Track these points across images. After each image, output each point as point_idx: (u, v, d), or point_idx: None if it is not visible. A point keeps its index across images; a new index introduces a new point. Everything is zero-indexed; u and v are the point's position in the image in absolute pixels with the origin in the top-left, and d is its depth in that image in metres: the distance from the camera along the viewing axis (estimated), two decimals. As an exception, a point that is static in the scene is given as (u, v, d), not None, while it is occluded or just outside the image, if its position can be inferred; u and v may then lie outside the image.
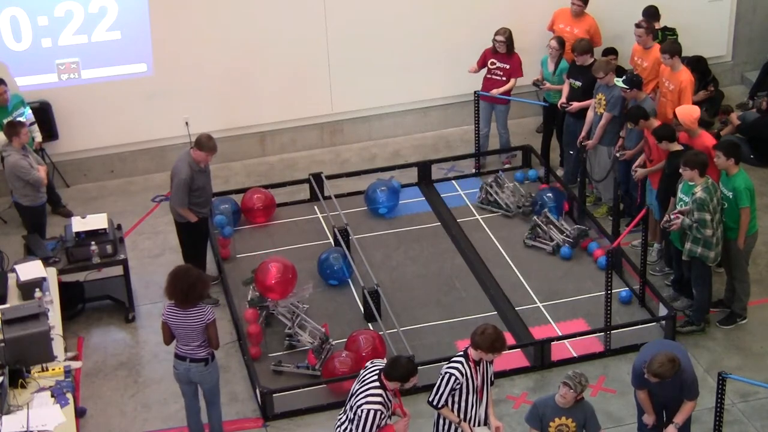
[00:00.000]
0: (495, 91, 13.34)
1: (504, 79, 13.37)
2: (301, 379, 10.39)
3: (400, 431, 8.22)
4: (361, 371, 8.33)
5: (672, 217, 10.39)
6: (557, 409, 8.46)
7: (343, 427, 8.26)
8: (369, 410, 7.98)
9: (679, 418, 8.69)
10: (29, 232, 11.78)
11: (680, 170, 10.39)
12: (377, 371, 8.16)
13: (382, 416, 8.01)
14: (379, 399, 8.02)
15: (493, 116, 13.71)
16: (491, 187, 12.94)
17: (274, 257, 11.31)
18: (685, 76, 12.08)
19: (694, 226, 10.22)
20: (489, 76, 13.46)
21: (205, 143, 10.93)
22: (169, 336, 9.11)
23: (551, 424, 8.48)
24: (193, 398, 9.43)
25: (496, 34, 13.26)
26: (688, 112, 11.11)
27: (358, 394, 8.14)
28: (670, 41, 12.35)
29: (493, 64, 13.37)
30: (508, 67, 13.33)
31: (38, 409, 8.54)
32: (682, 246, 10.61)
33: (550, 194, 12.56)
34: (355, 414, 8.05)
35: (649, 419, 8.89)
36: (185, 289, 8.89)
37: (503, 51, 13.28)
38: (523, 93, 14.22)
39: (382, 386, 8.08)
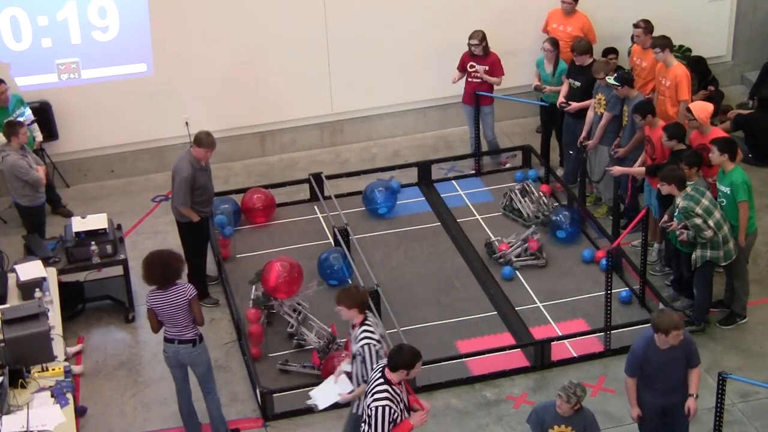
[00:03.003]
0: (484, 77, 13.31)
1: (481, 81, 13.41)
2: (303, 378, 10.39)
3: (418, 424, 8.19)
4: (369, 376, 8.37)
5: (677, 233, 10.42)
6: (557, 416, 8.43)
7: (361, 430, 8.29)
8: (377, 407, 7.99)
9: (694, 389, 8.70)
10: (29, 232, 11.78)
11: (658, 185, 10.43)
12: (380, 369, 8.18)
13: (392, 411, 8.00)
14: (384, 395, 8.03)
15: (479, 119, 13.68)
16: (515, 194, 12.75)
17: (280, 257, 11.27)
18: (680, 70, 12.12)
19: (695, 234, 10.23)
20: (470, 79, 13.47)
21: (204, 139, 10.92)
22: (156, 323, 9.18)
23: (550, 431, 8.48)
24: (183, 382, 9.47)
25: (470, 38, 13.26)
26: (703, 108, 11.14)
27: (366, 396, 8.18)
28: (660, 35, 12.35)
29: (472, 66, 13.37)
30: (487, 68, 13.34)
31: (38, 409, 8.54)
32: (682, 246, 10.62)
33: (567, 213, 12.31)
34: (367, 416, 8.08)
35: (633, 412, 8.84)
36: (161, 269, 9.00)
37: (479, 53, 13.29)
38: (523, 93, 14.23)
39: (386, 381, 8.09)
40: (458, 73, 13.52)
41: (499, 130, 14.11)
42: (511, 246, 11.97)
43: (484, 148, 13.91)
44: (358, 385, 8.63)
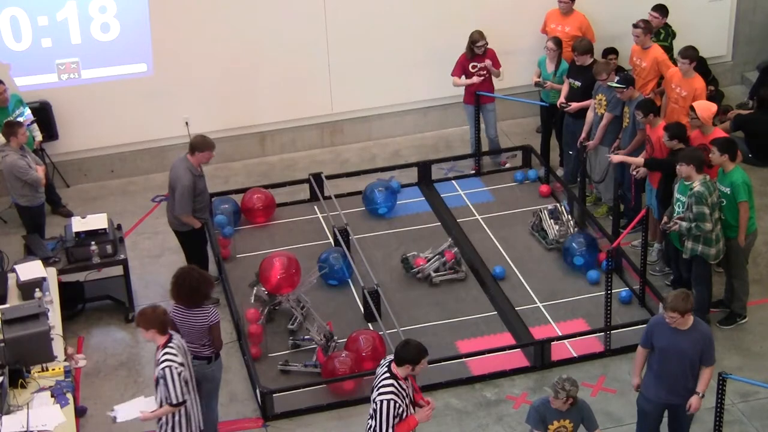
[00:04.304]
0: (492, 70, 13.26)
1: (487, 75, 13.39)
2: (302, 378, 10.40)
3: (423, 420, 8.22)
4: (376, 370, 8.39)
5: (671, 223, 10.43)
6: (555, 412, 8.49)
7: (367, 426, 8.28)
8: (382, 401, 8.02)
9: (702, 387, 8.73)
10: (29, 232, 11.78)
11: (677, 167, 10.41)
12: (387, 363, 8.21)
13: (397, 405, 8.02)
14: (390, 389, 8.06)
15: (480, 118, 13.67)
16: (544, 215, 12.33)
17: (274, 253, 11.26)
18: (699, 83, 12.04)
19: (693, 225, 10.23)
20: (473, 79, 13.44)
21: (201, 143, 10.91)
22: (175, 331, 9.15)
23: (550, 426, 8.52)
24: (196, 388, 9.44)
25: (476, 41, 13.14)
26: (707, 107, 11.14)
27: (372, 391, 8.20)
28: (689, 46, 12.20)
29: (474, 67, 13.33)
30: (490, 62, 13.35)
31: (38, 409, 8.54)
32: (681, 246, 10.62)
33: (581, 239, 11.85)
34: (372, 410, 8.11)
35: (633, 381, 8.94)
36: (189, 291, 8.95)
37: (482, 53, 13.28)
38: (523, 93, 14.23)
39: (393, 376, 8.11)
40: (461, 77, 13.42)
41: (499, 130, 14.08)
42: (428, 260, 11.76)
43: (484, 148, 13.89)
44: (161, 406, 8.50)
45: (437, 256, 11.77)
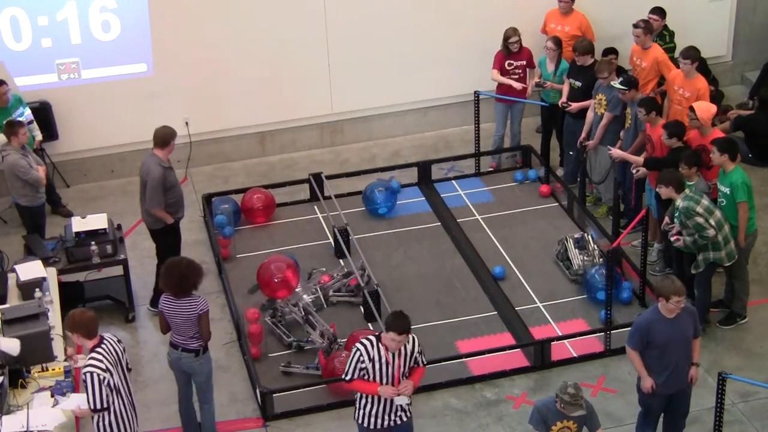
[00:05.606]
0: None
1: (523, 75, 13.39)
2: (302, 378, 10.39)
3: (383, 393, 8.32)
4: None
5: (672, 239, 10.43)
6: (559, 413, 8.48)
7: None
8: (354, 347, 8.32)
9: (698, 357, 8.90)
10: (29, 232, 11.78)
11: (656, 189, 10.45)
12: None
13: (360, 359, 8.24)
14: (364, 342, 8.29)
15: (508, 116, 13.68)
16: (569, 243, 11.83)
17: (270, 258, 11.24)
18: (702, 84, 12.02)
19: (696, 237, 10.22)
20: (508, 77, 13.43)
21: (170, 134, 10.90)
22: (165, 325, 9.22)
23: (553, 428, 8.52)
24: (185, 385, 9.51)
25: (509, 38, 13.18)
26: (706, 108, 11.15)
27: None
28: (690, 46, 12.19)
29: (510, 65, 13.33)
30: (524, 62, 13.37)
31: (38, 409, 8.54)
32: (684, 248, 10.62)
33: (602, 272, 11.09)
34: None
35: (647, 383, 8.80)
36: (178, 279, 9.00)
37: (517, 50, 13.28)
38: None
39: (377, 337, 8.32)
40: (497, 74, 13.38)
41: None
42: (332, 279, 11.57)
43: (486, 147, 13.92)
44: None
45: (341, 277, 11.59)
